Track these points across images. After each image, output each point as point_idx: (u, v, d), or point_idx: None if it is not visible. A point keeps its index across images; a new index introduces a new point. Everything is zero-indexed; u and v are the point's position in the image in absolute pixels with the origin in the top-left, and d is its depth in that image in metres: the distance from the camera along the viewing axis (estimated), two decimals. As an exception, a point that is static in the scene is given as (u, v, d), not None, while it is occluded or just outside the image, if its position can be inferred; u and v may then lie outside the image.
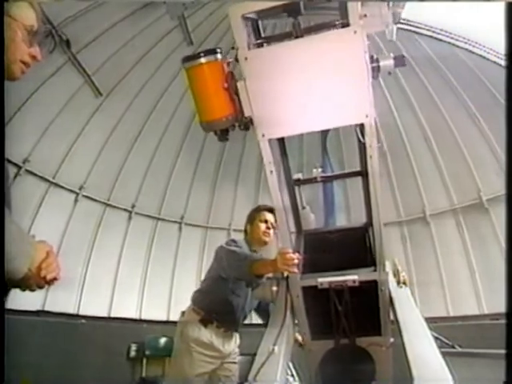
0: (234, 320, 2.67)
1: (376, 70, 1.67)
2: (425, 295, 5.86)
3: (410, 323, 1.72)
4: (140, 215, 6.61)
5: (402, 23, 5.77)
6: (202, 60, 1.62)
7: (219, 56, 1.66)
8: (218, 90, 1.64)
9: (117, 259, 6.35)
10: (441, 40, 6.07)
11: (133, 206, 6.53)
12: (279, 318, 2.00)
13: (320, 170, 2.40)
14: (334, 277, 2.02)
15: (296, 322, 2.22)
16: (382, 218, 1.92)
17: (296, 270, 1.99)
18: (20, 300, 5.15)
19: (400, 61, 1.70)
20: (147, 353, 5.93)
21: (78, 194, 5.92)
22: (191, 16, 5.67)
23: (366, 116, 1.65)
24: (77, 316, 5.72)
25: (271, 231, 2.73)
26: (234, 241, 2.64)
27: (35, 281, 1.07)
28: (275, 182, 1.92)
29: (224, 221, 7.18)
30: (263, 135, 1.74)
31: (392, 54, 1.72)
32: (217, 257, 2.65)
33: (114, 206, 6.36)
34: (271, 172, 1.87)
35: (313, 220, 2.50)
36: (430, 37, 6.11)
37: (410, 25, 6.04)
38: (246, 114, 1.70)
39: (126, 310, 6.29)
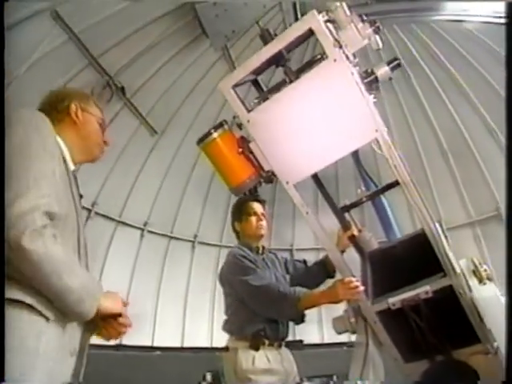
0: (282, 324, 2.45)
1: (374, 82, 1.70)
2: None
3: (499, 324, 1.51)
4: (203, 244, 6.76)
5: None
6: (214, 135, 1.76)
7: (226, 126, 1.79)
8: (235, 156, 1.76)
9: (184, 288, 6.51)
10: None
11: (195, 236, 6.69)
12: (361, 351, 1.91)
13: (363, 189, 2.26)
14: (404, 293, 1.89)
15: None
16: (430, 221, 1.85)
17: (361, 295, 1.92)
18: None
19: (394, 64, 1.71)
20: (222, 380, 5.93)
21: (143, 229, 6.21)
22: (234, 45, 5.85)
23: (376, 131, 1.66)
24: (152, 348, 5.90)
25: (263, 222, 2.54)
26: (241, 260, 2.36)
27: (107, 329, 1.24)
28: (315, 223, 1.89)
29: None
30: (287, 182, 1.80)
31: (385, 60, 1.73)
32: (232, 287, 2.42)
33: (178, 238, 6.57)
34: (307, 213, 1.88)
35: (371, 239, 2.34)
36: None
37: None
38: (266, 168, 1.78)
39: (198, 338, 6.38)
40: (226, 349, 2.46)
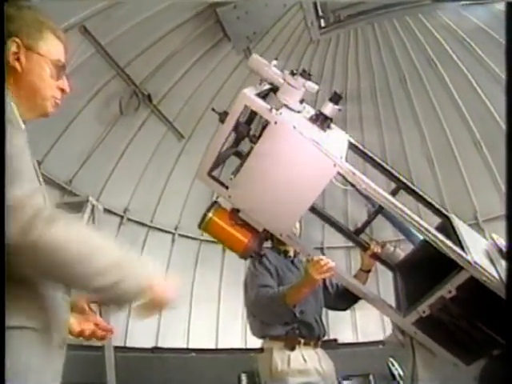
0: (316, 320, 2.46)
1: (325, 121, 1.88)
2: None
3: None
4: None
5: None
6: (209, 215, 1.99)
7: (217, 204, 2.02)
8: (232, 226, 1.96)
9: (217, 290, 6.57)
10: None
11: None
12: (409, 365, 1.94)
13: (369, 206, 2.32)
14: (430, 298, 1.86)
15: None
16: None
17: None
18: (136, 338, 5.55)
19: (335, 98, 1.88)
20: (258, 381, 5.95)
21: (174, 233, 6.31)
22: (255, 46, 5.87)
23: (334, 165, 1.82)
24: (187, 350, 5.98)
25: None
26: (258, 268, 2.45)
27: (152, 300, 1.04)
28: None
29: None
30: (281, 235, 1.98)
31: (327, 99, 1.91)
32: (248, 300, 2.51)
33: (208, 241, 6.63)
34: (309, 255, 2.10)
35: (396, 251, 2.34)
36: None
37: None
38: (260, 229, 1.97)
39: (232, 339, 6.42)
40: (260, 349, 2.47)
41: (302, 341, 2.37)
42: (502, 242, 1.96)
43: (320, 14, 5.70)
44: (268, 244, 2.64)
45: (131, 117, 5.32)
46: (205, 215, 1.99)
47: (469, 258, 1.82)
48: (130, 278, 0.97)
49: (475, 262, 1.80)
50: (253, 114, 1.95)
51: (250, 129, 1.94)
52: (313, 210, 2.31)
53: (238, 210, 1.95)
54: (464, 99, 6.10)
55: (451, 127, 6.28)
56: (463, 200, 6.20)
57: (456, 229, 2.10)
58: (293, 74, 1.84)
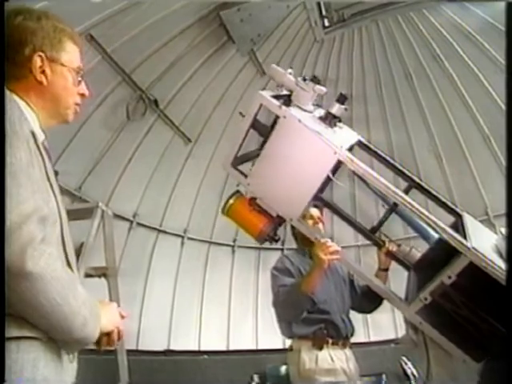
0: (343, 320, 2.51)
1: (333, 119, 2.10)
2: None
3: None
4: (243, 248, 6.82)
5: None
6: (231, 201, 2.23)
7: (238, 193, 2.26)
8: (250, 212, 2.19)
9: (227, 292, 6.59)
10: None
11: (234, 241, 6.77)
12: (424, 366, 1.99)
13: (384, 205, 2.38)
14: (431, 285, 1.91)
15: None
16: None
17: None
18: (148, 341, 5.59)
19: (342, 99, 2.11)
20: (269, 382, 5.95)
21: (183, 237, 6.35)
22: (260, 48, 5.89)
23: (335, 153, 2.01)
24: (199, 352, 6.01)
25: (320, 225, 2.63)
26: (274, 275, 2.55)
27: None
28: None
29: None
30: (291, 219, 2.18)
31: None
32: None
33: (217, 243, 6.66)
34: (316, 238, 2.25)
35: (412, 251, 2.36)
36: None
37: None
38: (274, 214, 2.18)
39: (243, 341, 6.43)
40: (290, 349, 2.54)
41: (330, 341, 2.42)
42: None
43: (324, 13, 5.70)
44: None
45: (138, 122, 5.37)
46: (227, 202, 2.23)
47: (468, 244, 1.86)
48: (93, 319, 0.97)
49: (474, 248, 1.84)
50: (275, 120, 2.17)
51: (265, 126, 2.18)
52: (331, 207, 2.49)
53: (255, 199, 2.17)
54: (471, 94, 6.04)
55: (459, 123, 6.23)
56: (473, 196, 6.15)
57: (464, 224, 2.13)
58: (304, 79, 2.10)
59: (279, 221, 2.20)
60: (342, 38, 6.09)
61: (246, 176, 2.19)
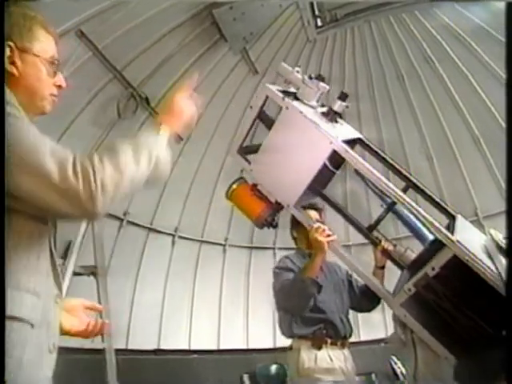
0: (341, 320, 2.57)
1: (335, 114, 2.25)
2: None
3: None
4: (234, 247, 6.81)
5: None
6: (234, 186, 2.39)
7: (242, 179, 2.41)
8: (250, 197, 2.32)
9: (218, 291, 6.57)
10: None
11: (225, 240, 6.75)
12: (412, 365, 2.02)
13: (383, 205, 2.44)
14: (415, 277, 1.96)
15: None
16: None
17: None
18: (138, 340, 5.55)
19: (343, 96, 2.26)
20: (260, 382, 5.95)
21: (174, 235, 6.31)
22: (252, 47, 5.87)
23: (331, 142, 2.11)
24: (189, 351, 5.98)
25: None
26: (278, 273, 2.66)
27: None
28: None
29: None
30: (288, 206, 2.27)
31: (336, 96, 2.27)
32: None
33: (209, 242, 6.64)
34: (309, 226, 2.36)
35: (407, 252, 2.42)
36: None
37: None
38: (272, 200, 2.29)
39: (234, 340, 6.42)
40: (289, 348, 2.59)
41: (329, 341, 2.49)
42: (500, 238, 1.97)
43: (316, 13, 5.70)
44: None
45: (129, 120, 5.32)
46: (230, 186, 2.39)
47: (453, 237, 1.90)
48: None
49: (458, 241, 1.88)
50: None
51: (271, 118, 2.29)
52: (331, 203, 2.60)
53: (257, 185, 2.31)
54: (462, 96, 6.10)
55: (450, 124, 6.28)
56: (463, 197, 6.21)
57: (456, 223, 2.18)
58: (310, 77, 2.26)
59: (277, 207, 2.30)
60: (335, 38, 6.09)
61: (249, 163, 2.33)
